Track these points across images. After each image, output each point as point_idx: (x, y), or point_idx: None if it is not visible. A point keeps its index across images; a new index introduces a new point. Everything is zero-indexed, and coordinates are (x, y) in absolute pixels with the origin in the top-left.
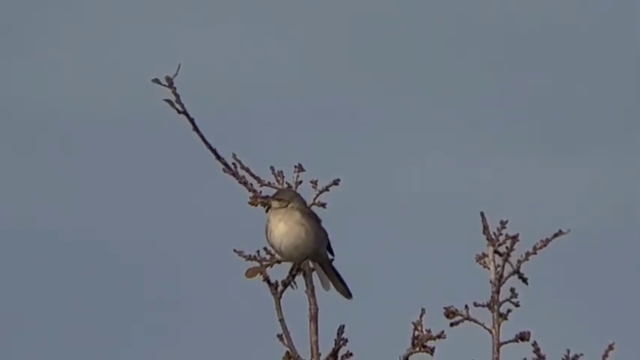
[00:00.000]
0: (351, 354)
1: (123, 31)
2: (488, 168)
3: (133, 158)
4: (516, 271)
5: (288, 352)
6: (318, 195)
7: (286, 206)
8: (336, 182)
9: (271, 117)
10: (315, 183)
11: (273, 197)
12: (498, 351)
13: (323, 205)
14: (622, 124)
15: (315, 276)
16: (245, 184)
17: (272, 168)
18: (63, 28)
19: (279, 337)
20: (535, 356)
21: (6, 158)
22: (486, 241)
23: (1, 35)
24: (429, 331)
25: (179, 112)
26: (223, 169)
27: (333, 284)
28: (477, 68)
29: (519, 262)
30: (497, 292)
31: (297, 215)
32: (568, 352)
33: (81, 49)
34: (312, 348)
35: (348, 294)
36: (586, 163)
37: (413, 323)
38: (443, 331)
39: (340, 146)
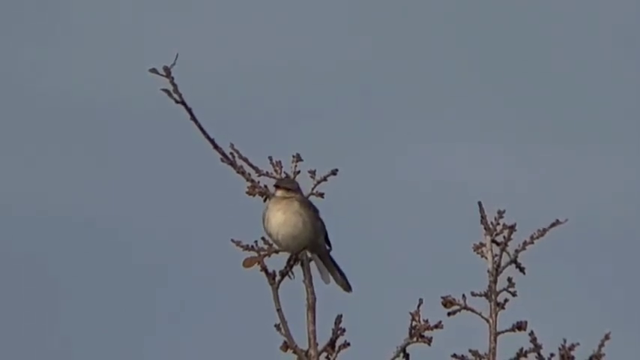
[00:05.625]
0: (348, 344)
1: (122, 22)
2: (487, 157)
3: (130, 148)
4: (513, 261)
5: (285, 342)
6: (316, 185)
7: (289, 196)
8: (334, 172)
9: (270, 106)
10: (313, 173)
11: (281, 186)
12: (495, 340)
13: (321, 195)
14: (625, 118)
15: (313, 266)
16: (243, 173)
17: (270, 158)
18: (62, 19)
19: (277, 326)
20: (532, 345)
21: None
22: (484, 231)
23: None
24: (426, 321)
25: (177, 101)
26: (221, 159)
27: (333, 276)
28: (478, 57)
29: (517, 251)
30: (495, 281)
31: (296, 205)
32: (564, 341)
33: (80, 38)
34: (309, 338)
35: (347, 287)
36: (586, 153)
37: (410, 313)
38: (440, 322)
39: (338, 136)
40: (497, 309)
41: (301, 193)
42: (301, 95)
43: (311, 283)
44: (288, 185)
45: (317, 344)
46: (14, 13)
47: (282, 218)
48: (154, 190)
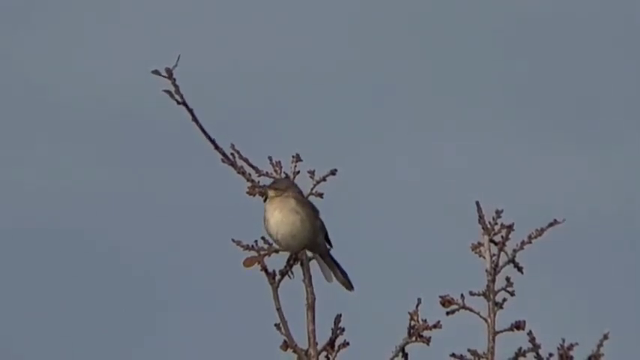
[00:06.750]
0: (347, 343)
1: (123, 24)
2: (485, 157)
3: (132, 149)
4: (511, 260)
5: (285, 341)
6: (315, 185)
7: (282, 195)
8: (333, 172)
9: (270, 107)
10: (312, 173)
11: (270, 186)
12: (494, 340)
13: (320, 195)
14: (624, 114)
15: (312, 265)
16: (243, 173)
17: (270, 158)
18: (63, 20)
19: (277, 326)
20: (530, 345)
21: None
22: (482, 231)
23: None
24: (425, 320)
25: (178, 102)
26: (222, 159)
27: (335, 275)
28: (477, 55)
29: (515, 251)
30: (493, 281)
31: (292, 203)
32: (563, 341)
33: (81, 39)
34: (309, 337)
35: (349, 286)
36: (584, 152)
37: (409, 313)
38: (439, 321)
39: (338, 136)
40: (496, 308)
41: (298, 192)
42: (301, 95)
43: (310, 283)
44: (276, 186)
45: (317, 343)
46: (15, 13)
47: (279, 217)
48: (154, 191)
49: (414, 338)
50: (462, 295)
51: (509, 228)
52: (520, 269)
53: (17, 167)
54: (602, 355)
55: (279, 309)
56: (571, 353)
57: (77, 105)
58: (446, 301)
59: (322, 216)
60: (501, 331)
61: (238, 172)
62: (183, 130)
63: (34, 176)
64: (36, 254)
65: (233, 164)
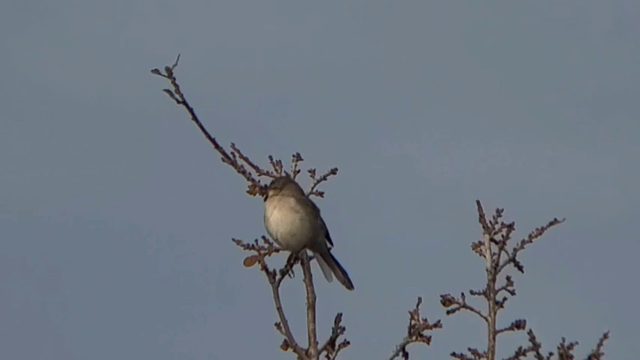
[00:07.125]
0: (348, 342)
1: (124, 21)
2: (485, 156)
3: (132, 148)
4: (512, 260)
5: (285, 341)
6: (316, 184)
7: (279, 193)
8: (333, 171)
9: (270, 106)
10: (313, 172)
11: (269, 187)
12: (494, 339)
13: (321, 194)
14: (624, 114)
15: (313, 265)
16: (244, 173)
17: (270, 157)
18: (64, 20)
19: (277, 325)
20: (530, 344)
21: (11, 144)
22: (482, 230)
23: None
24: (425, 320)
25: (178, 102)
26: (222, 159)
27: (335, 275)
28: (477, 55)
29: (515, 250)
30: (493, 280)
31: (292, 201)
32: (563, 340)
33: (82, 39)
34: (309, 336)
35: (349, 285)
36: (584, 152)
37: (409, 312)
38: (439, 320)
39: (337, 136)
40: (496, 307)
41: (296, 189)
42: (301, 95)
43: (311, 282)
44: (275, 184)
45: (317, 343)
46: (15, 13)
47: (278, 216)
48: (155, 190)
49: (414, 337)
50: (462, 294)
51: (510, 227)
52: (520, 268)
53: (17, 167)
54: (602, 354)
55: (279, 308)
56: (571, 352)
57: (77, 104)
58: (446, 300)
59: (323, 215)
60: (502, 331)
61: (238, 172)
62: (183, 130)
63: (33, 175)
64: (34, 248)
65: (233, 163)
